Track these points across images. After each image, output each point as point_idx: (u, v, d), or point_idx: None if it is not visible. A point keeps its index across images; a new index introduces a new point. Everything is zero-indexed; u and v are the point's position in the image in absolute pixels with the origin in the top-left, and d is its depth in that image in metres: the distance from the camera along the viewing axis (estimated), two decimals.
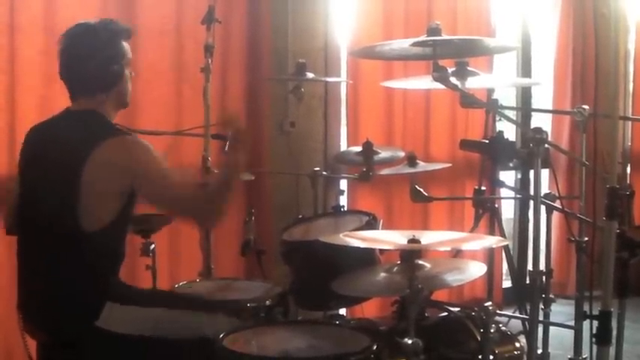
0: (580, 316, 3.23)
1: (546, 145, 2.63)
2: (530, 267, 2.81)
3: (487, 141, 3.80)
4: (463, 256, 3.36)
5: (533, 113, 5.61)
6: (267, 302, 3.04)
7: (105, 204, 2.56)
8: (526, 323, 3.55)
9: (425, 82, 3.48)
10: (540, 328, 3.17)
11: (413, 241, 2.44)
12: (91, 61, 2.63)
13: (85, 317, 2.53)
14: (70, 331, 2.54)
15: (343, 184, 4.62)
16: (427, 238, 2.51)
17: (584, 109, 3.19)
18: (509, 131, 3.66)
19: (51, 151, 2.64)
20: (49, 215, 2.57)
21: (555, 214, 3.41)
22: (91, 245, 2.55)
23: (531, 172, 2.76)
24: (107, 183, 2.54)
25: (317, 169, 4.04)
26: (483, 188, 4.17)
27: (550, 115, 5.77)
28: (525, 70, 5.65)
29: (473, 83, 3.21)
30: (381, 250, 3.09)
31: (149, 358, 2.61)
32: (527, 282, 2.89)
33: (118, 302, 2.57)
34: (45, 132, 2.74)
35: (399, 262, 2.65)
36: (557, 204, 3.35)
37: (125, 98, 2.77)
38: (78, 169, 2.51)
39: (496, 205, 4.13)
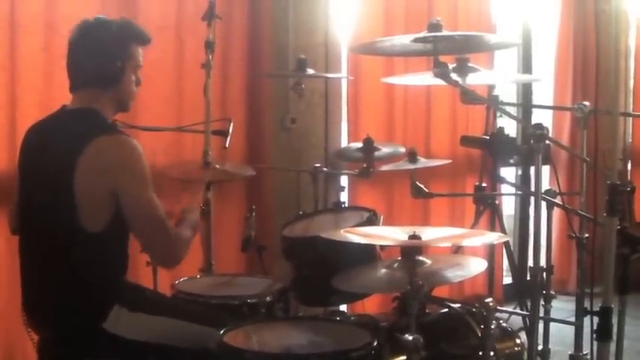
0: (581, 312, 3.24)
1: (547, 142, 2.63)
2: (530, 263, 2.81)
3: (488, 137, 3.80)
4: (464, 252, 3.36)
5: (533, 109, 5.60)
6: (268, 298, 3.04)
7: (102, 203, 2.50)
8: (527, 319, 3.55)
9: (425, 79, 3.47)
10: (541, 325, 3.18)
11: (413, 237, 2.45)
12: (93, 53, 2.60)
13: (91, 317, 2.53)
14: (76, 330, 2.53)
15: (344, 181, 4.62)
16: (428, 234, 2.51)
17: (584, 105, 3.19)
18: (509, 127, 3.65)
19: (45, 151, 2.60)
20: (49, 216, 2.55)
21: (556, 211, 3.42)
22: (95, 245, 2.52)
23: (532, 169, 2.76)
24: (99, 182, 2.49)
25: (318, 165, 4.04)
26: (484, 184, 4.18)
27: (551, 112, 5.78)
28: (526, 66, 5.64)
29: (473, 79, 3.20)
30: (382, 247, 3.09)
31: None
32: (528, 278, 2.89)
33: (126, 308, 2.56)
34: (40, 131, 2.71)
35: (399, 258, 2.65)
36: (558, 200, 3.35)
37: (125, 100, 2.71)
38: (71, 169, 2.47)
39: (497, 202, 4.14)
